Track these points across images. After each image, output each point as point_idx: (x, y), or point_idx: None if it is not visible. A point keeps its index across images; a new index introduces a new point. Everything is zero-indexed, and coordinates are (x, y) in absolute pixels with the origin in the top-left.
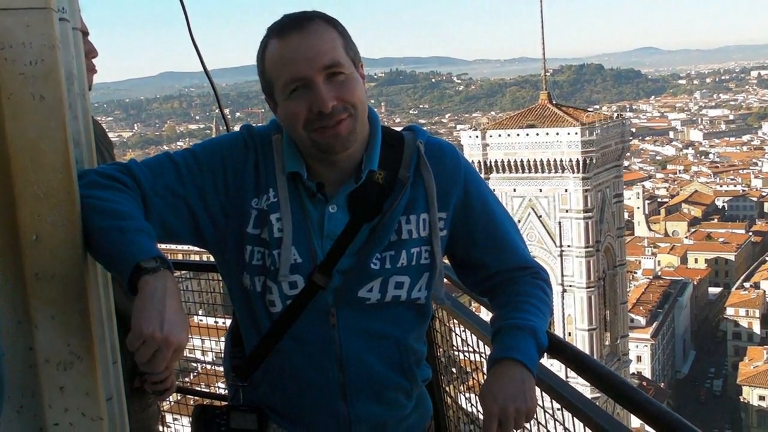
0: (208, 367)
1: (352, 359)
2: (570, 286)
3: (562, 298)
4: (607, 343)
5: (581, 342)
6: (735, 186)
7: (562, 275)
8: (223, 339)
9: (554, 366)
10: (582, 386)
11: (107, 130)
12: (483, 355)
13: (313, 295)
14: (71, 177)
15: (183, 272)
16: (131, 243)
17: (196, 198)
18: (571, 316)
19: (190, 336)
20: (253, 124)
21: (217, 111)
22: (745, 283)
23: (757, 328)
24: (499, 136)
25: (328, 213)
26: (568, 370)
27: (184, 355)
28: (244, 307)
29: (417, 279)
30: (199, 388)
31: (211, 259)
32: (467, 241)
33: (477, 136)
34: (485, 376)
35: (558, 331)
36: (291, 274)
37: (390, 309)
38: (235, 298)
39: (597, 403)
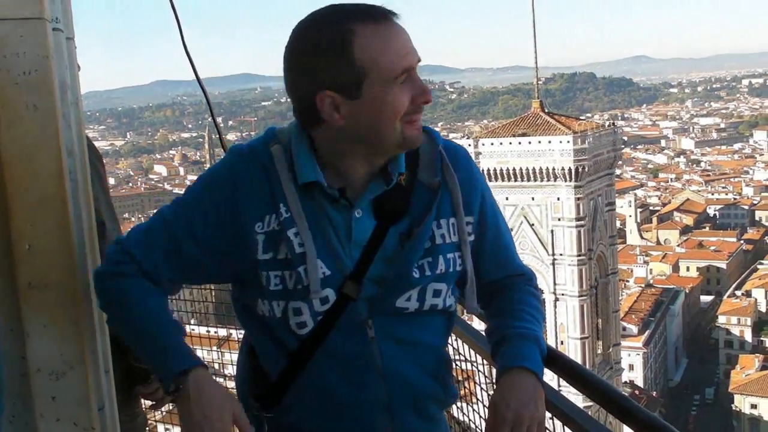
0: None
1: (395, 372)
2: (562, 294)
3: (555, 306)
4: (599, 351)
5: (574, 350)
6: (726, 194)
7: (555, 283)
8: (215, 349)
9: (545, 375)
10: (574, 395)
11: (99, 138)
12: (475, 364)
13: (344, 307)
14: (65, 186)
15: None
16: (165, 351)
17: (199, 252)
18: (564, 325)
19: None
20: (245, 136)
21: (209, 119)
22: (736, 291)
23: (748, 336)
24: (492, 144)
25: (354, 218)
26: (559, 379)
27: None
28: (262, 335)
29: (452, 286)
30: None
31: None
32: (475, 247)
33: (470, 145)
34: (494, 386)
35: (551, 339)
36: (321, 289)
37: (425, 317)
38: (251, 326)
39: (589, 413)
